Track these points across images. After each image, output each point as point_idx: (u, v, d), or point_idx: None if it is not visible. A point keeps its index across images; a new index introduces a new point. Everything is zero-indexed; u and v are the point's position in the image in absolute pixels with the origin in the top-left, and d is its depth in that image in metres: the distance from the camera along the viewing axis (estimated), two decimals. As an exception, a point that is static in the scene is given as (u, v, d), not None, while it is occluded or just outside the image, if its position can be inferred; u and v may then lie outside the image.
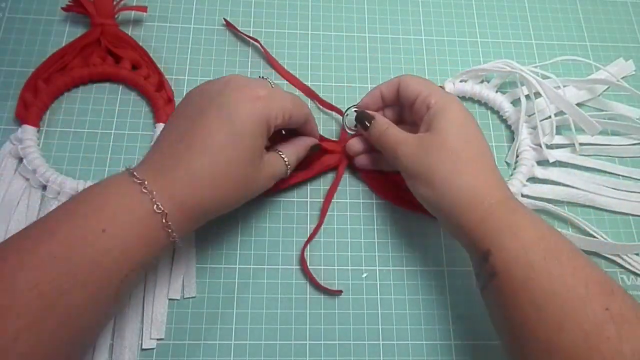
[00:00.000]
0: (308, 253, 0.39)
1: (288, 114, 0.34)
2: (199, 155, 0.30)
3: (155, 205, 0.29)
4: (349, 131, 0.42)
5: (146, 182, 0.29)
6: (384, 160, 0.40)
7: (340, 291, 0.38)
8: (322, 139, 0.41)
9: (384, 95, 0.39)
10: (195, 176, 0.30)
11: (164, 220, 0.29)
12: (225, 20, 0.47)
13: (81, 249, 0.27)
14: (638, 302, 0.29)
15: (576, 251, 0.31)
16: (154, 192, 0.29)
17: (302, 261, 0.38)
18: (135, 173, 0.30)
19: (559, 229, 0.41)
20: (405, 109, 0.40)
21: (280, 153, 0.36)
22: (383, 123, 0.38)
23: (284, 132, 0.38)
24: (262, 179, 0.34)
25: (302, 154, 0.38)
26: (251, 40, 0.46)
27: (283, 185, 0.40)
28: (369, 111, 0.39)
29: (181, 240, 0.31)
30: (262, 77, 0.36)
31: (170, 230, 0.29)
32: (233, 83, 0.32)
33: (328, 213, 0.41)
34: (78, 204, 0.29)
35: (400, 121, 0.41)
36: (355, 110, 0.40)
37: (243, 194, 0.33)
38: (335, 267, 0.39)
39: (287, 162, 0.36)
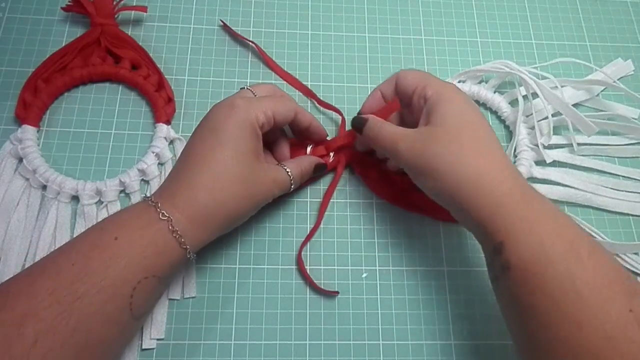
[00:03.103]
0: (308, 253, 0.39)
1: (270, 111, 0.35)
2: (194, 166, 0.33)
3: (160, 213, 0.31)
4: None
5: (152, 197, 0.32)
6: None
7: (337, 292, 0.38)
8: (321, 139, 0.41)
9: (384, 95, 0.39)
10: (192, 184, 0.32)
11: (170, 227, 0.31)
12: (222, 21, 0.47)
13: (96, 256, 0.29)
14: None
15: (597, 246, 0.29)
16: (159, 203, 0.31)
17: (299, 262, 0.38)
18: (147, 195, 0.33)
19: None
20: (406, 108, 0.39)
21: (283, 165, 0.37)
22: (376, 122, 0.37)
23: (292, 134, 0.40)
24: (263, 183, 0.35)
25: (307, 168, 0.38)
26: (248, 42, 0.46)
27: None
28: (363, 116, 0.38)
29: (195, 251, 0.33)
30: (244, 88, 0.38)
31: (177, 236, 0.31)
32: (217, 104, 0.35)
33: (327, 213, 0.41)
34: (99, 222, 0.32)
35: (402, 124, 0.39)
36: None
37: (243, 195, 0.33)
38: (335, 267, 0.39)
39: (289, 172, 0.37)
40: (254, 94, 0.37)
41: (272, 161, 0.39)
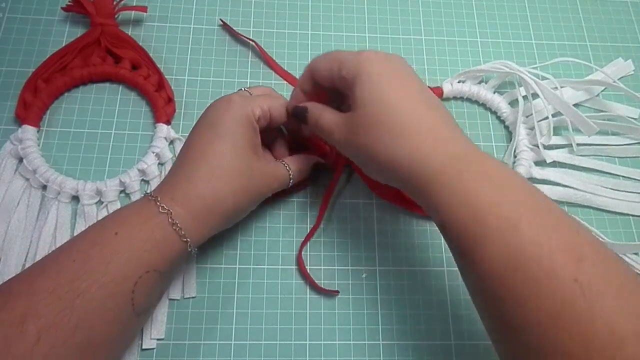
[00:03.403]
0: (308, 253, 0.39)
1: (266, 105, 0.35)
2: (192, 161, 0.33)
3: (160, 207, 0.31)
4: None
5: (152, 192, 0.32)
6: None
7: (337, 291, 0.38)
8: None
9: (306, 92, 0.37)
10: (191, 177, 0.32)
11: (170, 220, 0.31)
12: (221, 20, 0.47)
13: (96, 252, 0.29)
14: (610, 261, 0.25)
15: (540, 211, 0.27)
16: (159, 197, 0.31)
17: (299, 262, 0.38)
18: (147, 191, 0.33)
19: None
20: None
21: (282, 160, 0.37)
22: (315, 111, 0.35)
23: (285, 132, 0.39)
24: (261, 176, 0.35)
25: (305, 165, 0.38)
26: (248, 41, 0.46)
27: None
28: (300, 104, 0.36)
29: (196, 246, 0.33)
30: (242, 89, 0.38)
31: (177, 229, 0.31)
32: (214, 101, 0.36)
33: (327, 213, 0.41)
34: (100, 219, 0.32)
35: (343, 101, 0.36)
36: (288, 110, 0.37)
37: (241, 188, 0.33)
38: (335, 267, 0.39)
39: (287, 167, 0.37)
40: (250, 94, 0.37)
41: (271, 159, 0.39)
